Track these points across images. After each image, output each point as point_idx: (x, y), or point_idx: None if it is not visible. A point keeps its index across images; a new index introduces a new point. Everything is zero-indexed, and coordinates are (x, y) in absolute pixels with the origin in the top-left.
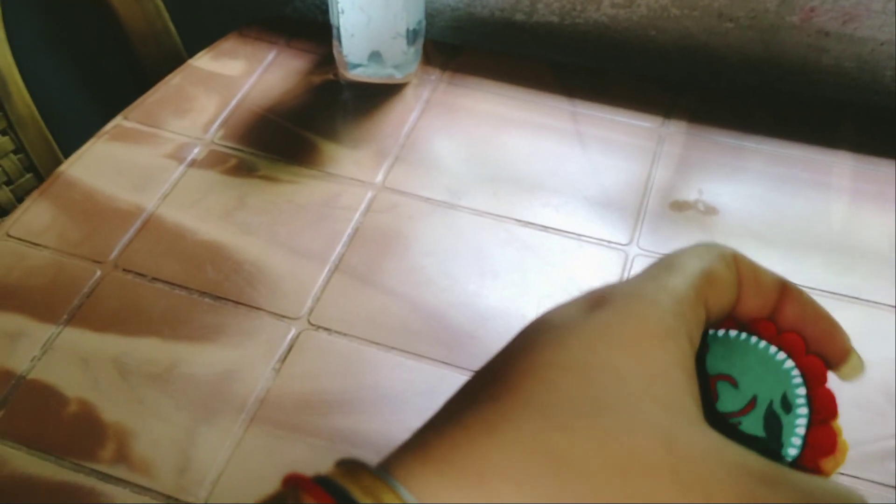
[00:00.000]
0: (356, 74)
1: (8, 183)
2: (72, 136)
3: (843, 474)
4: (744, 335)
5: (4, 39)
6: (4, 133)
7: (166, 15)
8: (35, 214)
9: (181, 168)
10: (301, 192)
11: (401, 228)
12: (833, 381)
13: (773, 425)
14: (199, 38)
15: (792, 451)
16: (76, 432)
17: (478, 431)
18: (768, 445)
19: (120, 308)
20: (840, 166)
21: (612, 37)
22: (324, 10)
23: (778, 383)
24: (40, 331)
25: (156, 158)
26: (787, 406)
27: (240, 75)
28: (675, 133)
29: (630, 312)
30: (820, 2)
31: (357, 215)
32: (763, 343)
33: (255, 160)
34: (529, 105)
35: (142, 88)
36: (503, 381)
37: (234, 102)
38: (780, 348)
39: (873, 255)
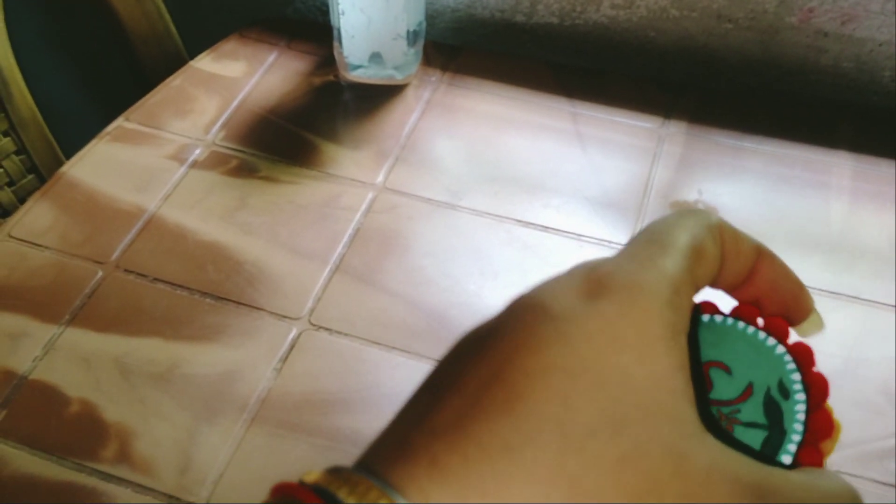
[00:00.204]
0: (357, 75)
1: (10, 184)
2: (73, 137)
3: (843, 473)
4: (731, 321)
5: (6, 40)
6: (6, 134)
7: (167, 16)
8: (37, 215)
9: (182, 169)
10: (302, 192)
11: (401, 229)
12: (823, 366)
13: (774, 412)
14: (199, 39)
15: (796, 438)
16: (78, 432)
17: (496, 451)
18: (770, 433)
19: (121, 308)
20: (839, 166)
21: (611, 38)
22: (324, 12)
23: (772, 369)
24: (42, 331)
25: (157, 159)
26: (785, 392)
27: (241, 76)
28: (675, 133)
29: (633, 307)
30: (819, 2)
31: (358, 216)
32: (751, 328)
33: (256, 161)
34: (529, 106)
35: (143, 90)
36: (503, 381)
37: (235, 103)
38: (769, 333)
39: (873, 254)
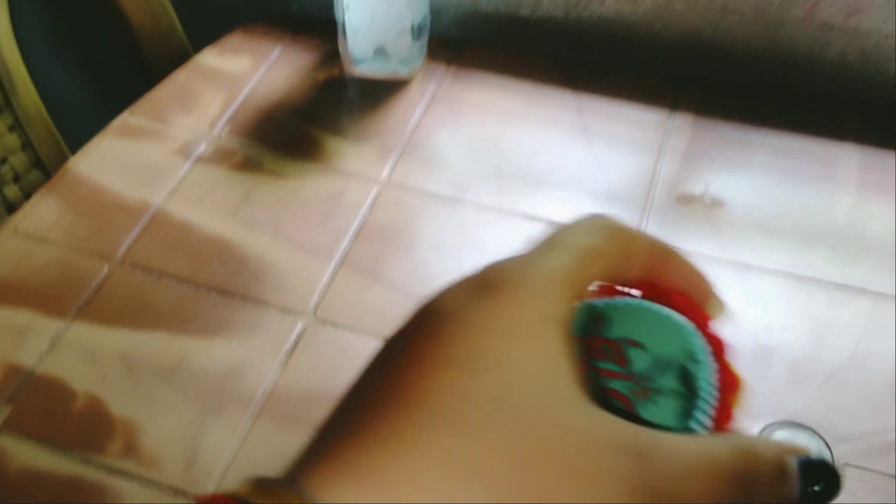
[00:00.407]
0: (361, 70)
1: (15, 179)
2: (78, 132)
3: (850, 465)
4: (636, 301)
5: (11, 36)
6: (12, 130)
7: (172, 12)
8: (43, 210)
9: (188, 164)
10: (307, 187)
11: (406, 224)
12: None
13: (688, 378)
14: (204, 34)
15: (710, 399)
16: (84, 426)
17: (396, 444)
18: (687, 399)
19: (127, 303)
20: (846, 159)
21: (616, 31)
22: (329, 6)
23: (679, 339)
24: (48, 326)
25: (162, 154)
26: (693, 358)
27: (245, 71)
28: (680, 126)
29: (513, 300)
30: None
31: (363, 210)
32: (655, 306)
33: (260, 156)
34: (534, 99)
35: (148, 85)
36: (403, 380)
37: (239, 99)
38: (671, 308)
39: (879, 246)
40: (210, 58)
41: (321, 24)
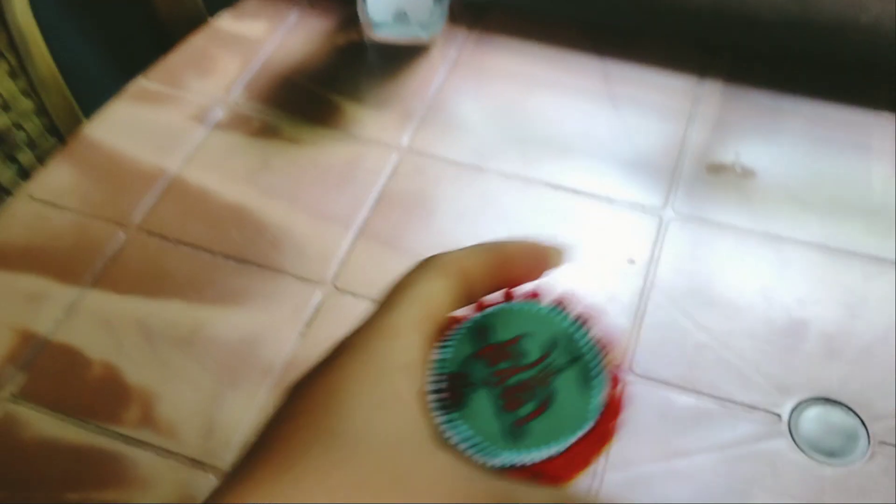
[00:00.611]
0: (381, 35)
1: (30, 145)
2: (93, 97)
3: (884, 443)
4: (504, 305)
5: (26, 1)
6: (26, 95)
7: None
8: (57, 176)
9: (204, 130)
10: (325, 154)
11: (427, 192)
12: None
13: (574, 352)
14: None
15: (598, 358)
16: (100, 395)
17: (288, 467)
18: (582, 364)
19: (144, 270)
20: (881, 127)
21: None
22: None
23: (554, 323)
24: (64, 293)
25: (178, 120)
26: (571, 334)
27: (262, 36)
28: (710, 93)
29: (358, 358)
30: None
31: (382, 178)
32: (522, 303)
33: (278, 122)
34: (559, 65)
35: (163, 49)
36: (300, 424)
37: (256, 64)
38: (535, 300)
39: None
40: (226, 22)
41: None
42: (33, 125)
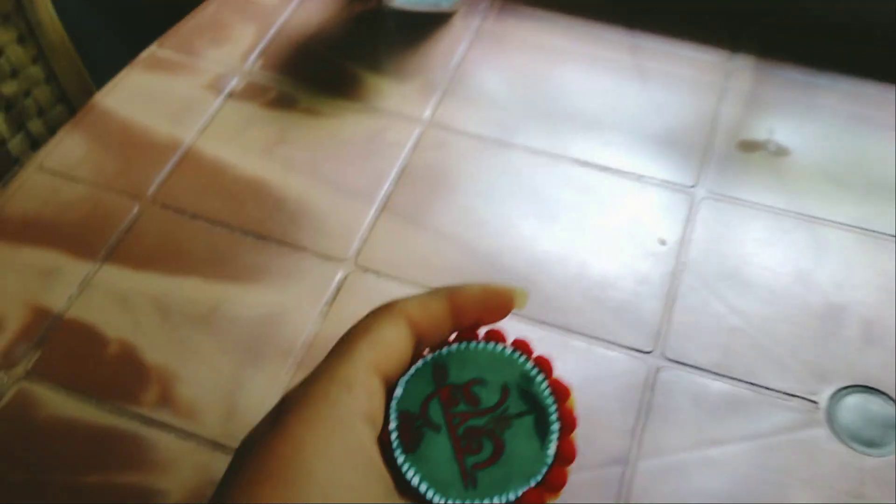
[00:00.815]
0: (401, 3)
1: (39, 113)
2: (104, 65)
3: None
4: (463, 345)
5: None
6: (35, 62)
7: None
8: (69, 146)
9: (219, 100)
10: (345, 126)
11: (451, 167)
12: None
13: (530, 398)
14: None
15: (552, 408)
16: (117, 374)
17: None
18: (537, 415)
19: (159, 245)
20: None
21: None
22: None
23: (511, 367)
24: (77, 268)
25: (192, 89)
26: (528, 380)
27: (278, 2)
28: (742, 68)
29: (319, 409)
30: None
31: (404, 152)
32: (479, 344)
33: (295, 92)
34: (586, 36)
35: (175, 16)
36: (235, 498)
37: (272, 31)
38: (493, 342)
39: None
40: None
41: None
42: (43, 93)
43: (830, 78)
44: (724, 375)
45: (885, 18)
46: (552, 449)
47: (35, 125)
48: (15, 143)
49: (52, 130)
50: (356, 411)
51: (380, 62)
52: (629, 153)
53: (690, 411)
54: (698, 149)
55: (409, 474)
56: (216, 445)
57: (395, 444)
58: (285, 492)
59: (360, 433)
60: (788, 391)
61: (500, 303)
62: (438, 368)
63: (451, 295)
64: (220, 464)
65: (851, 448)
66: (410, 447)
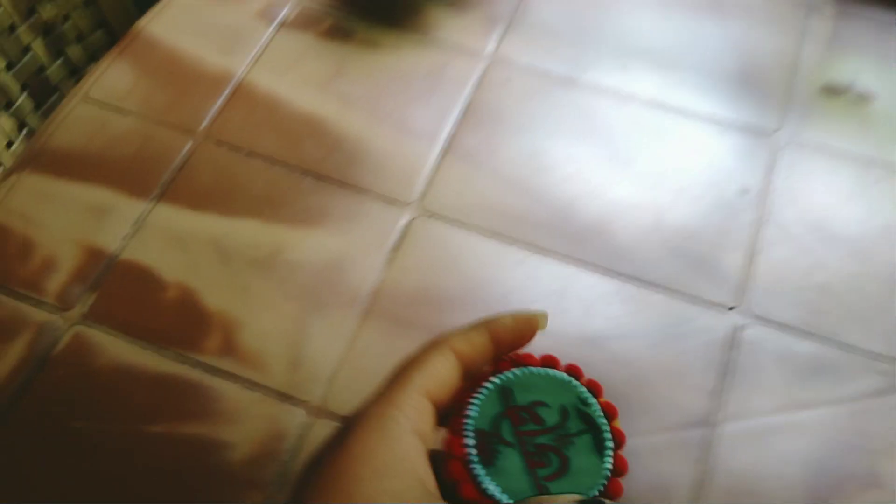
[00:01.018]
0: None
1: (79, 39)
2: None
3: None
4: (526, 370)
5: None
6: None
7: None
8: (114, 76)
9: (271, 29)
10: (404, 60)
11: (517, 105)
12: None
13: (586, 418)
14: None
15: (607, 427)
16: (178, 320)
17: None
18: (593, 433)
19: (215, 184)
20: None
21: None
22: None
23: (568, 390)
24: (130, 206)
25: (242, 17)
26: (585, 403)
27: None
28: (822, 5)
29: (361, 430)
30: None
31: (468, 89)
32: (539, 369)
33: (351, 23)
34: None
35: None
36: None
37: None
38: (551, 367)
39: None
40: None
41: None
42: (81, 16)
43: None
44: (811, 334)
45: None
46: (609, 463)
47: (74, 51)
48: (54, 70)
49: (91, 57)
50: (406, 427)
51: None
52: (706, 94)
53: (776, 372)
54: (780, 92)
55: (488, 486)
56: (284, 396)
57: (474, 460)
58: (336, 496)
59: (408, 445)
60: (878, 353)
61: (529, 328)
62: (505, 392)
63: (489, 327)
64: (287, 416)
65: None
66: (487, 461)
